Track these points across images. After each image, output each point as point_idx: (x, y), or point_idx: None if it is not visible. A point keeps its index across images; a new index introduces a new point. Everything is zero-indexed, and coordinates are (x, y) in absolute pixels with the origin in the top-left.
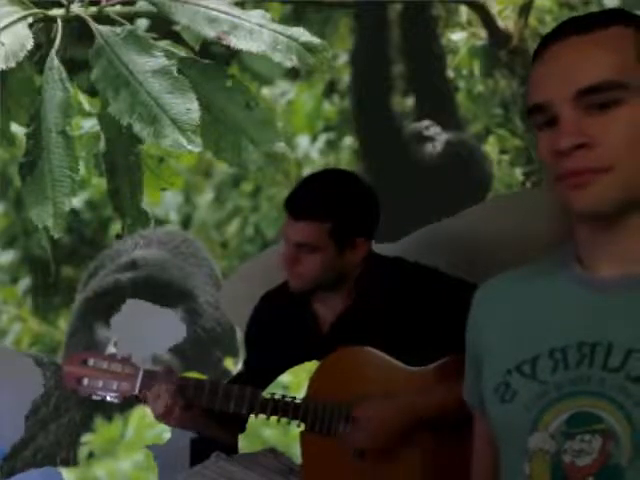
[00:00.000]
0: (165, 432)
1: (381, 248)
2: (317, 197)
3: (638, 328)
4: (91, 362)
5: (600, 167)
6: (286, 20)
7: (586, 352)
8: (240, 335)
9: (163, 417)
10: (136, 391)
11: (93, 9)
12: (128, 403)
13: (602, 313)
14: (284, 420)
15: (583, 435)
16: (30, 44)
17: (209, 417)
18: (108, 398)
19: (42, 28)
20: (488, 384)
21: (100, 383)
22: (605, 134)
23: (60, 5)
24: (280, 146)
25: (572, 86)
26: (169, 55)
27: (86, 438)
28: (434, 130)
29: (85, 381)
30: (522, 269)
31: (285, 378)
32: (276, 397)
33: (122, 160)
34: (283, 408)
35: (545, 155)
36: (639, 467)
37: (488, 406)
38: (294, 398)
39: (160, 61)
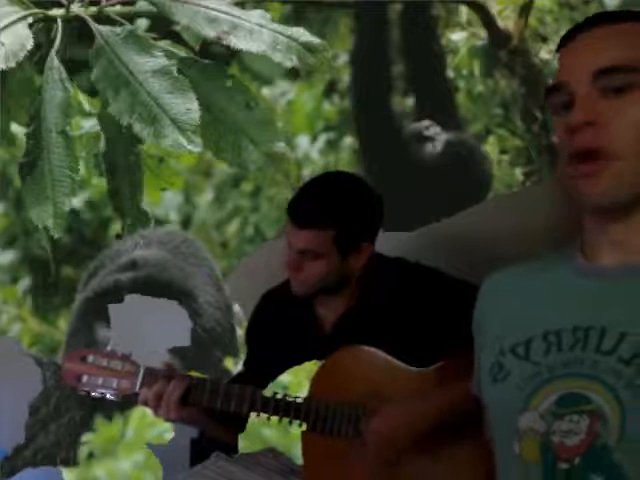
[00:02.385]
0: (166, 432)
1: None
2: (320, 205)
3: (632, 313)
4: (90, 359)
5: (610, 149)
6: (286, 20)
7: (580, 336)
8: (240, 335)
9: (164, 415)
10: (137, 389)
11: (93, 9)
12: (128, 402)
13: (598, 299)
14: (285, 420)
15: (571, 415)
16: (30, 44)
17: (209, 416)
18: (108, 396)
19: (42, 28)
20: (483, 366)
21: (100, 380)
22: (618, 116)
23: (60, 5)
24: (280, 146)
25: (590, 66)
26: (169, 55)
27: (86, 438)
28: (434, 130)
29: (84, 378)
30: (526, 263)
31: (285, 378)
32: (277, 397)
33: (122, 160)
34: (284, 408)
35: (560, 136)
36: (626, 448)
37: (483, 387)
38: (295, 398)
39: (160, 61)
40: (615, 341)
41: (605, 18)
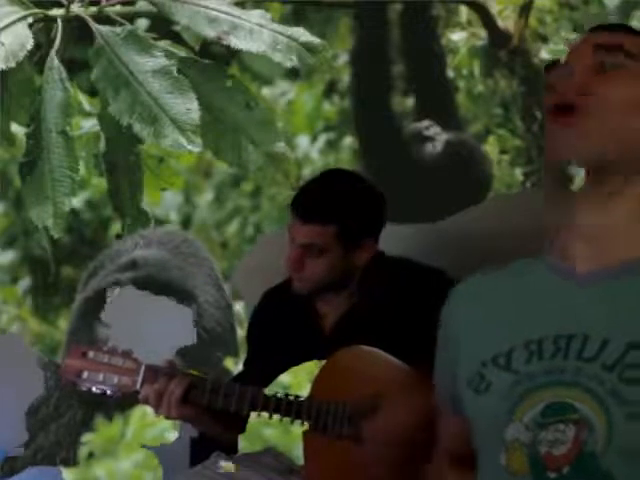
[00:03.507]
0: (166, 432)
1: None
2: (324, 200)
3: (613, 318)
4: (91, 355)
5: (590, 109)
6: (286, 20)
7: (561, 345)
8: (240, 335)
9: (165, 413)
10: (137, 387)
11: (93, 9)
12: (129, 402)
13: (578, 305)
14: (285, 420)
15: (557, 425)
16: (30, 44)
17: (210, 415)
18: (108, 392)
19: (42, 28)
20: (462, 378)
21: (100, 376)
22: (604, 85)
23: (60, 5)
24: (280, 146)
25: (592, 41)
26: (169, 55)
27: (86, 438)
28: (434, 130)
29: (85, 374)
30: (501, 269)
31: (286, 378)
32: (278, 396)
33: (122, 160)
34: (285, 407)
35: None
36: (615, 454)
37: (464, 399)
38: (297, 397)
39: (160, 61)
40: (598, 348)
41: (612, 26)
